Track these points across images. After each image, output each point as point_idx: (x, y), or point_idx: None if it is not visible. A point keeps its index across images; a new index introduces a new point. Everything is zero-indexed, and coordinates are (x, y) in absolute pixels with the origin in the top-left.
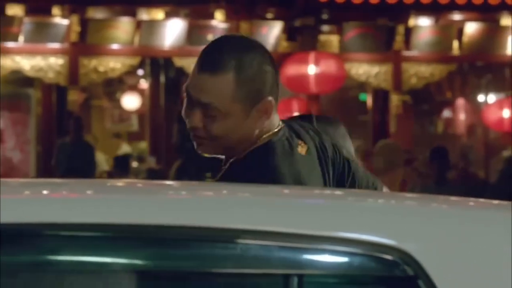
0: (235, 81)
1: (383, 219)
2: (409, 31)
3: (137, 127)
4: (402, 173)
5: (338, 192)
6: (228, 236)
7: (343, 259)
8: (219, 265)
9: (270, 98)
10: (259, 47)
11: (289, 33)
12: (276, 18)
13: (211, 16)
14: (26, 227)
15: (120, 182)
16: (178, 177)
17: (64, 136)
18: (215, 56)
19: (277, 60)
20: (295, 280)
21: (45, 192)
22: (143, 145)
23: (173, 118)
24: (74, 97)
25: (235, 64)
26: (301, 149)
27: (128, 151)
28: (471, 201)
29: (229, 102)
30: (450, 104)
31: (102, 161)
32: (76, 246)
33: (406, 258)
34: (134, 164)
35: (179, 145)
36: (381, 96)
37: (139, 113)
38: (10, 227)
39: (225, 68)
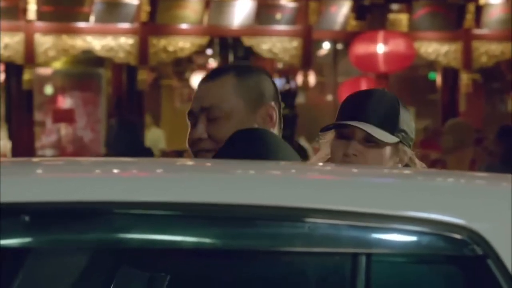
0: (235, 80)
1: (453, 198)
2: (479, 9)
3: None
4: (472, 152)
5: (407, 171)
6: (296, 215)
7: (412, 238)
8: (287, 244)
9: (273, 103)
10: (258, 67)
11: (358, 11)
12: None
13: None
14: (96, 206)
15: (189, 161)
16: None
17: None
18: (213, 70)
19: (345, 39)
20: (363, 259)
21: (115, 170)
22: None
23: None
24: (143, 76)
25: (234, 69)
26: None
27: (160, 135)
28: None
29: (230, 99)
30: None
31: (160, 139)
32: (145, 225)
33: (476, 237)
34: None
35: None
36: (450, 75)
37: None
38: (81, 206)
39: (224, 73)
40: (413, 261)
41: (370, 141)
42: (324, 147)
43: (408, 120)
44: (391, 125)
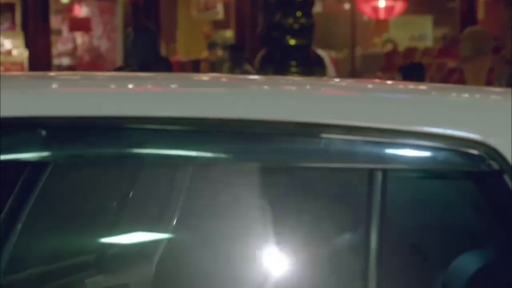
0: None
1: (469, 114)
2: None
3: (223, 16)
4: (490, 60)
5: (422, 86)
6: (313, 130)
7: (428, 154)
8: (304, 159)
9: None
10: None
11: None
12: None
13: None
14: (111, 120)
15: (205, 76)
16: (263, 66)
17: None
18: None
19: None
20: (379, 175)
21: (130, 86)
22: (229, 33)
23: (259, 7)
24: None
25: None
26: None
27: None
28: None
29: None
30: None
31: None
32: (161, 140)
33: (492, 152)
34: (219, 52)
35: (264, 34)
36: None
37: (225, 1)
38: (96, 120)
39: None
40: (429, 176)
41: None
42: None
43: None
44: None
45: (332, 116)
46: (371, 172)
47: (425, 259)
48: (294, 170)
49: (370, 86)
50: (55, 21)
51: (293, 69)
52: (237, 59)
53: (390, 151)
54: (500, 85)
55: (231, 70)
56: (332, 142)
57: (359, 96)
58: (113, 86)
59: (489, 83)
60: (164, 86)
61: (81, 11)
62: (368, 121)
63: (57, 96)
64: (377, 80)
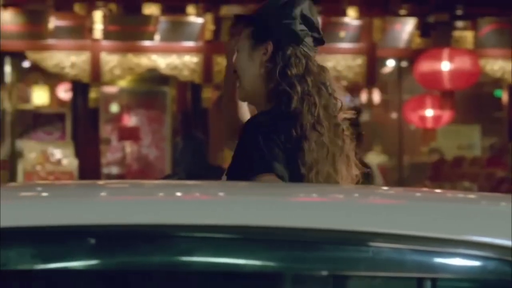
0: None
1: None
2: None
3: None
4: None
5: (471, 195)
6: (361, 239)
7: (477, 263)
8: (351, 268)
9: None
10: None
11: (423, 29)
12: (409, 14)
13: (344, 13)
14: (159, 229)
15: (252, 184)
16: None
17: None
18: None
19: (410, 57)
20: (428, 284)
21: (178, 194)
22: None
23: None
24: (208, 94)
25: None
26: None
27: None
28: None
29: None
30: None
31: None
32: (209, 248)
33: None
34: None
35: None
36: None
37: None
38: (145, 228)
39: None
40: (478, 286)
41: None
42: None
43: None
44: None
45: (381, 225)
46: (420, 281)
47: None
48: (342, 278)
49: (418, 194)
50: (104, 131)
51: None
52: None
53: (439, 260)
54: None
55: None
56: (380, 250)
57: (407, 205)
58: (161, 194)
59: None
60: (212, 194)
61: (130, 120)
62: (417, 230)
63: (106, 204)
64: (425, 189)
